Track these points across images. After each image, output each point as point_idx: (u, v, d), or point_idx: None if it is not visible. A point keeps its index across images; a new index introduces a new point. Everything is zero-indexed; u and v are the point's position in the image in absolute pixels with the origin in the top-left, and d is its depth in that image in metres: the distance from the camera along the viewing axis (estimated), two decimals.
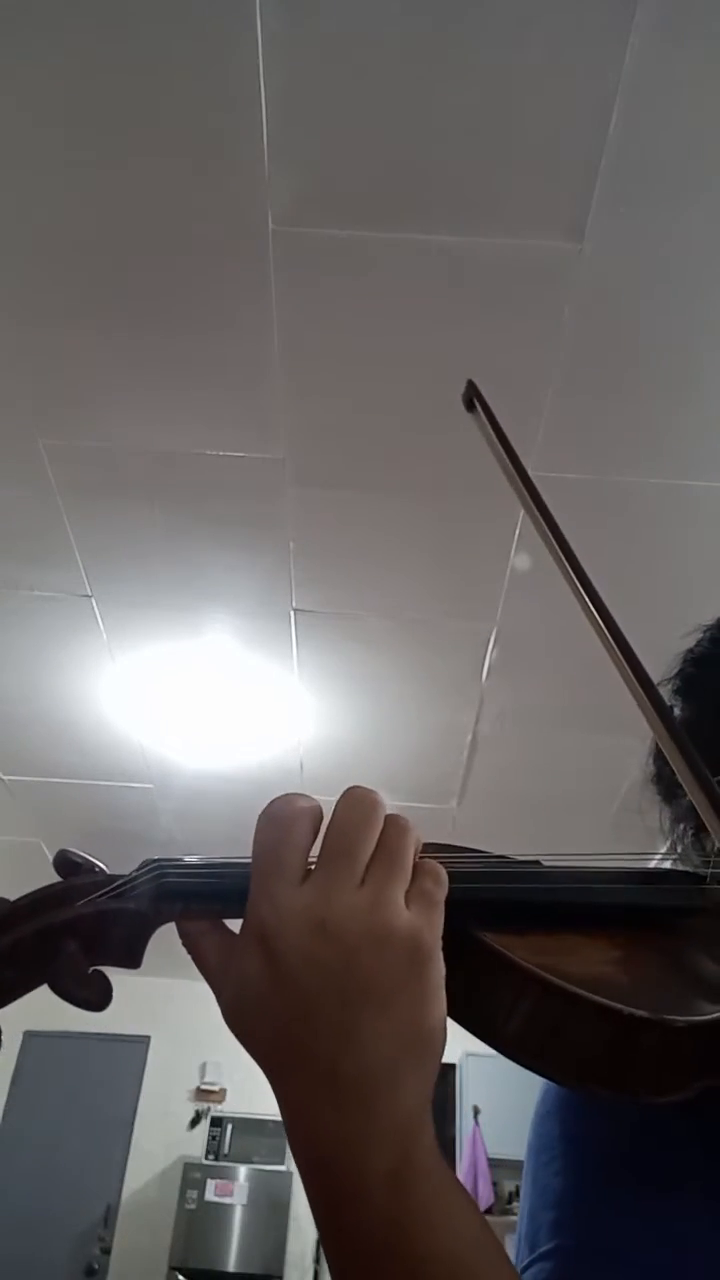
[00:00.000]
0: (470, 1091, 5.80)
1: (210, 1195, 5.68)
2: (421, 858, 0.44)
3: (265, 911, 0.41)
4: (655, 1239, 0.48)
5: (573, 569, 0.60)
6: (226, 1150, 6.06)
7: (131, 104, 1.67)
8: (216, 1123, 6.16)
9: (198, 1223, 5.58)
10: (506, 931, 0.45)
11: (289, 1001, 0.40)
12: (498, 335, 2.03)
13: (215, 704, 3.46)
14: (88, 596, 2.95)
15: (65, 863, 0.46)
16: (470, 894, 0.45)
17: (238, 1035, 0.43)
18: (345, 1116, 0.39)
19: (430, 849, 0.47)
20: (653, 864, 0.61)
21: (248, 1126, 6.12)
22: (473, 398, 0.65)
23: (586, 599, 0.60)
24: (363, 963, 0.40)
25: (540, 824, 3.89)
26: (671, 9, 1.48)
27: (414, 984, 0.40)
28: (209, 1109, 6.22)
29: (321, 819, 0.44)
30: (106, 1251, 5.76)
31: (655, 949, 0.50)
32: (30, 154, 1.76)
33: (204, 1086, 6.28)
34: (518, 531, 2.54)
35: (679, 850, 0.68)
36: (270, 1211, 5.67)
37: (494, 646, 3.00)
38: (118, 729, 3.66)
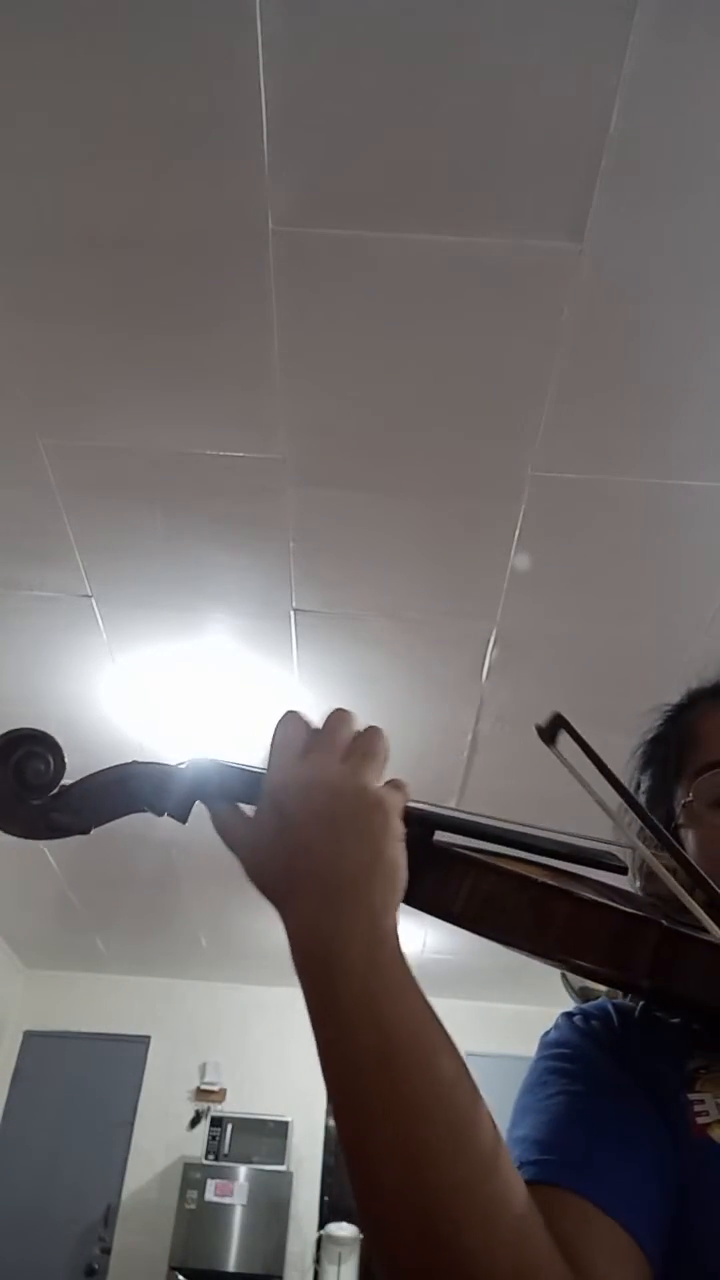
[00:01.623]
0: None
1: (210, 1195, 5.67)
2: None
3: (275, 777, 0.56)
4: (603, 1152, 0.59)
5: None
6: (226, 1150, 6.05)
7: (132, 104, 1.67)
8: (216, 1123, 6.16)
9: (198, 1223, 5.58)
10: (465, 846, 0.60)
11: (294, 838, 0.54)
12: (498, 335, 2.03)
13: (215, 704, 3.46)
14: (88, 596, 2.95)
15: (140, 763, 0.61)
16: (436, 815, 0.61)
17: (254, 880, 0.55)
18: (334, 913, 0.51)
19: None
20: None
21: (248, 1126, 6.12)
22: (557, 730, 0.71)
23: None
24: (343, 806, 0.54)
25: (540, 823, 3.89)
26: (671, 9, 1.48)
27: (381, 827, 0.54)
28: (209, 1109, 6.22)
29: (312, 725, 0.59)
30: (106, 1251, 5.75)
31: (580, 878, 0.64)
32: (30, 154, 1.76)
33: (204, 1086, 6.27)
34: (518, 531, 2.54)
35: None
36: (270, 1211, 5.66)
37: (494, 646, 3.00)
38: (118, 729, 3.66)
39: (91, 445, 2.42)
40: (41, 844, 4.91)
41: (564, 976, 4.00)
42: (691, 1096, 0.62)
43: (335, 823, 0.53)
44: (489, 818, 0.65)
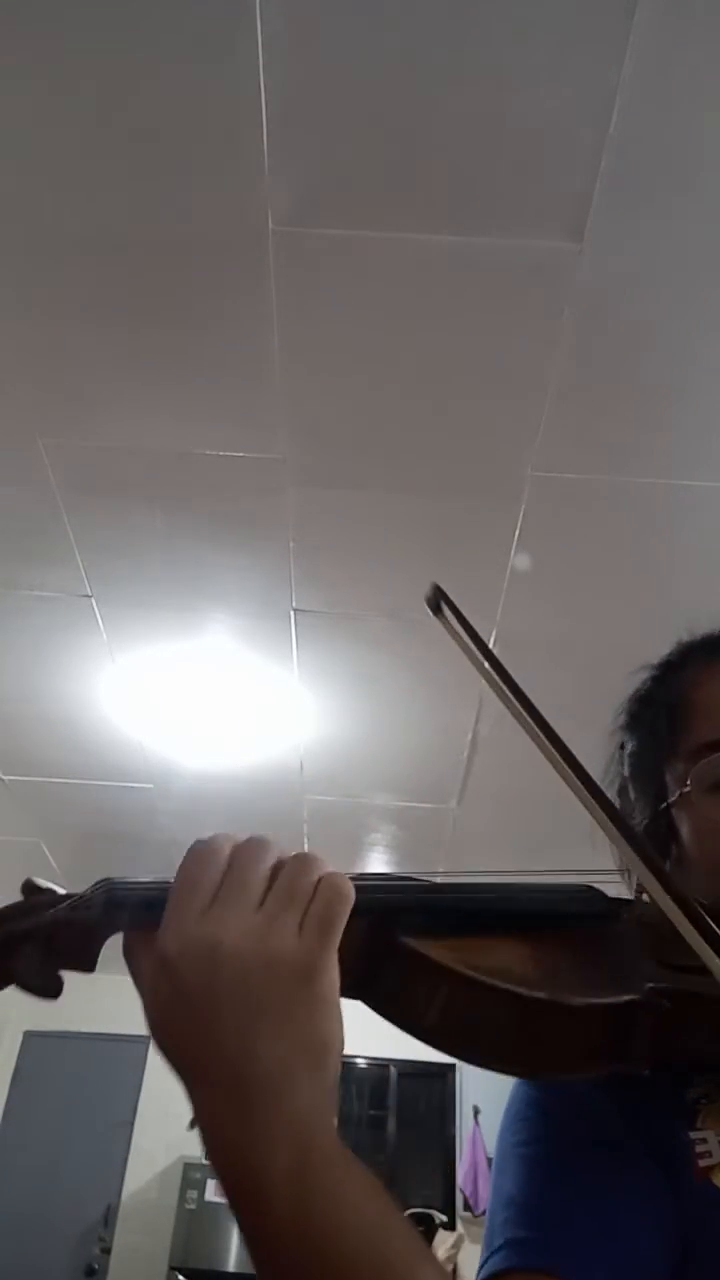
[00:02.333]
0: (470, 1091, 5.81)
1: (210, 1195, 5.67)
2: (324, 877, 0.48)
3: (168, 938, 0.46)
4: (588, 1219, 0.54)
5: (543, 732, 0.67)
6: None
7: (131, 104, 1.67)
8: None
9: (198, 1223, 5.58)
10: (427, 936, 0.50)
11: (190, 1019, 0.45)
12: (498, 335, 2.03)
13: (215, 704, 3.46)
14: (88, 596, 2.95)
15: (30, 887, 0.52)
16: (391, 903, 0.51)
17: (156, 1046, 0.47)
18: (247, 1120, 0.43)
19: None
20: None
21: None
22: (439, 601, 0.69)
23: (555, 752, 0.67)
24: (254, 984, 0.44)
25: (540, 824, 3.89)
26: (671, 9, 1.48)
27: (304, 1001, 0.45)
28: (195, 1111, 6.22)
29: (231, 858, 0.48)
30: (106, 1251, 5.75)
31: (566, 948, 0.55)
32: (30, 154, 1.76)
33: None
34: (518, 531, 2.54)
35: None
36: None
37: (494, 647, 3.00)
38: (118, 729, 3.66)
39: (91, 445, 2.42)
40: (41, 843, 4.91)
41: None
42: (693, 1135, 0.57)
43: (243, 1005, 0.44)
44: (455, 879, 0.57)
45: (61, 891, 0.52)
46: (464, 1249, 5.32)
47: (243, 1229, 0.44)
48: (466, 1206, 5.49)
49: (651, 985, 0.50)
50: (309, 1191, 0.42)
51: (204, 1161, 6.15)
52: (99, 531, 2.69)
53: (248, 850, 0.48)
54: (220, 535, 2.68)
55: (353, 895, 0.47)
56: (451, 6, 1.51)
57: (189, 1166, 5.84)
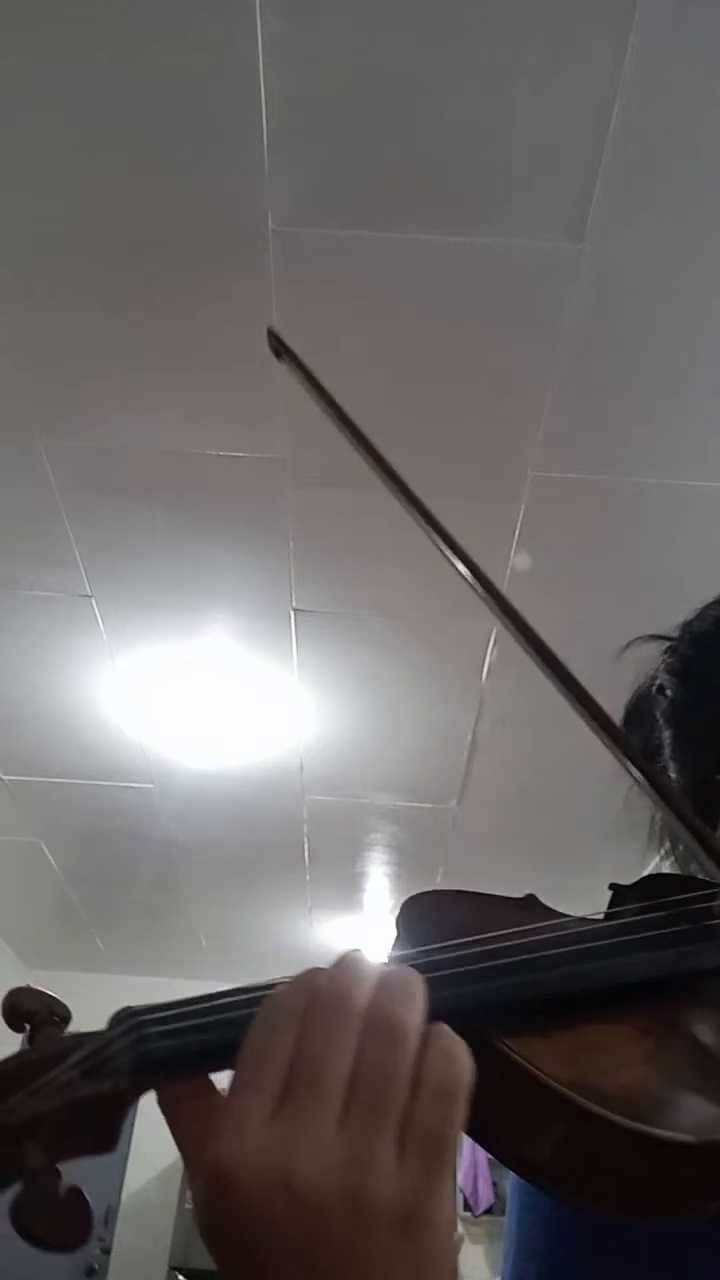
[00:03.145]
0: None
1: None
2: (429, 1059, 0.34)
3: (227, 1140, 0.34)
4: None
5: (446, 541, 0.58)
6: None
7: (131, 104, 1.67)
8: None
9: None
10: (527, 1032, 0.39)
11: (250, 1254, 0.33)
12: (498, 335, 2.03)
13: (215, 704, 3.46)
14: (88, 596, 2.95)
15: (16, 1012, 0.37)
16: (481, 996, 0.39)
17: (203, 1238, 0.35)
18: None
19: (413, 953, 0.40)
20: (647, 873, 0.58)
21: None
22: (279, 347, 0.64)
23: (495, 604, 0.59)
24: (334, 1237, 0.31)
25: (540, 824, 3.90)
26: (671, 9, 1.48)
27: (407, 1259, 0.32)
28: None
29: (300, 1032, 0.35)
30: (106, 1251, 5.75)
31: (679, 1031, 0.45)
32: (29, 154, 1.76)
33: None
34: (518, 531, 2.54)
35: (675, 859, 0.64)
36: None
37: (494, 646, 3.00)
38: (118, 729, 3.66)
39: (91, 445, 2.42)
40: (41, 843, 4.92)
41: None
42: None
43: (321, 1264, 0.31)
44: (536, 937, 0.45)
45: (61, 1012, 0.38)
46: (463, 1249, 5.32)
47: None
48: (466, 1207, 5.48)
49: None
50: None
51: None
52: (99, 531, 2.69)
53: (319, 1015, 0.34)
54: (220, 535, 2.68)
55: (469, 1084, 0.34)
56: (451, 7, 1.51)
57: None
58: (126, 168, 1.77)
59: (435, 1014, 0.35)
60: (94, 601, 2.97)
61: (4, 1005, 0.37)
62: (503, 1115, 0.37)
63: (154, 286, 1.99)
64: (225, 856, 4.45)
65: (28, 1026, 0.37)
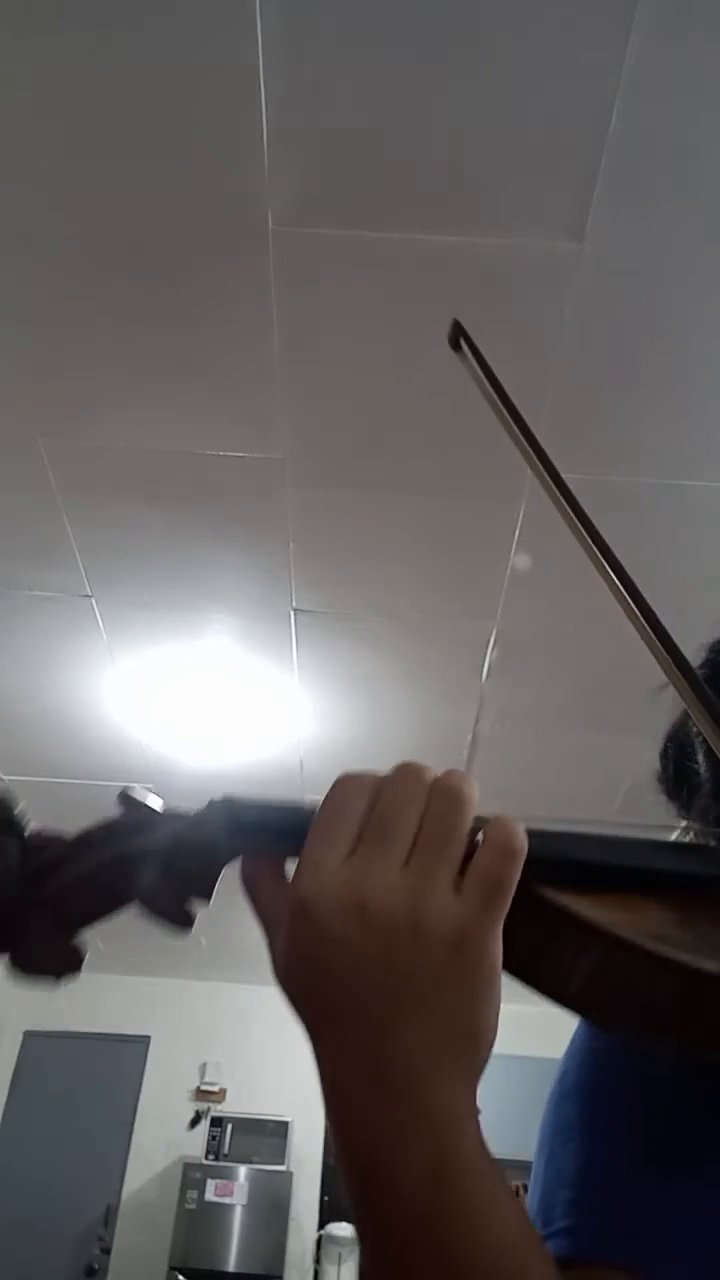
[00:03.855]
0: None
1: (210, 1195, 5.67)
2: (493, 824, 0.41)
3: (307, 880, 0.40)
4: (673, 1221, 0.48)
5: (580, 520, 0.59)
6: (226, 1150, 6.05)
7: (131, 104, 1.67)
8: (216, 1123, 6.16)
9: (198, 1223, 5.58)
10: (568, 889, 0.44)
11: (327, 975, 0.39)
12: (498, 335, 2.03)
13: (215, 704, 3.46)
14: (88, 596, 2.95)
15: (127, 799, 0.45)
16: (535, 847, 0.43)
17: (279, 985, 0.41)
18: (379, 1102, 0.38)
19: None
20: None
21: (248, 1126, 6.12)
22: (459, 337, 0.64)
23: (595, 549, 0.58)
24: (400, 955, 0.38)
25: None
26: (671, 9, 1.48)
27: (456, 978, 0.38)
28: (209, 1109, 6.22)
29: (374, 797, 0.42)
30: (106, 1251, 5.75)
31: (709, 915, 0.49)
32: (30, 154, 1.76)
33: (204, 1086, 6.27)
34: (518, 531, 2.54)
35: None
36: (270, 1211, 5.66)
37: (494, 646, 3.00)
38: (118, 729, 3.66)
39: (91, 445, 2.42)
40: None
41: None
42: None
43: (385, 980, 0.38)
44: (594, 828, 0.51)
45: (159, 806, 0.45)
46: None
47: (361, 1223, 0.39)
48: None
49: None
50: (444, 1198, 0.37)
51: (204, 1161, 6.15)
52: (99, 531, 2.70)
53: (392, 787, 0.41)
54: (220, 535, 2.68)
55: (525, 849, 0.40)
56: (451, 6, 1.51)
57: (189, 1166, 5.84)
58: (127, 168, 1.77)
59: None
60: (94, 601, 2.97)
61: (119, 796, 0.46)
62: (544, 952, 0.43)
63: (154, 286, 1.99)
64: None
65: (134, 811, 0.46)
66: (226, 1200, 5.66)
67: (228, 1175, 5.79)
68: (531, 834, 0.44)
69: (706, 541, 2.51)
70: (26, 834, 0.43)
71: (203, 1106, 6.24)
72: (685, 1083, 0.53)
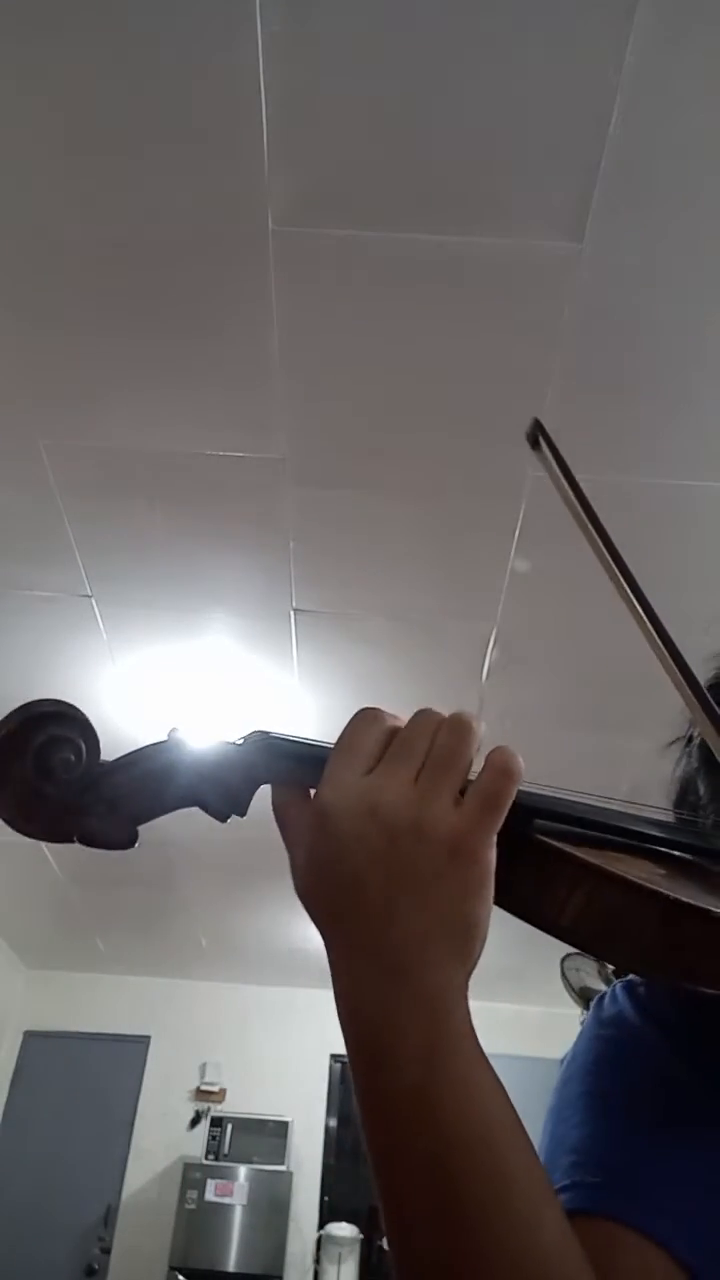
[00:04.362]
0: None
1: (210, 1195, 5.67)
2: (495, 752, 0.47)
3: (327, 791, 0.46)
4: (664, 1172, 0.52)
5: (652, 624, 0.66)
6: (226, 1150, 6.05)
7: (131, 104, 1.67)
8: (216, 1123, 6.16)
9: (198, 1223, 5.58)
10: (563, 837, 0.50)
11: (340, 872, 0.45)
12: (498, 335, 2.03)
13: (215, 704, 3.46)
14: (88, 596, 2.95)
15: (177, 734, 0.54)
16: (534, 800, 0.50)
17: (299, 896, 0.47)
18: (383, 983, 0.43)
19: None
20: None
21: (248, 1126, 6.12)
22: (538, 435, 0.66)
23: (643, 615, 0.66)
24: (404, 849, 0.44)
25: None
26: (671, 9, 1.48)
27: (453, 876, 0.44)
28: (209, 1109, 6.22)
29: (393, 726, 0.49)
30: (106, 1251, 5.75)
31: (693, 875, 0.55)
32: (30, 155, 1.76)
33: (204, 1086, 6.27)
34: (518, 531, 2.54)
35: None
36: (270, 1211, 5.66)
37: (494, 646, 3.00)
38: (118, 729, 3.66)
39: (91, 445, 2.42)
40: (42, 844, 4.91)
41: (564, 976, 4.00)
42: None
43: (392, 868, 0.44)
44: (592, 799, 0.57)
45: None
46: None
47: (364, 1101, 0.43)
48: None
49: None
50: (436, 1075, 0.41)
51: (204, 1161, 6.16)
52: (99, 531, 2.70)
53: (410, 721, 0.48)
54: (220, 535, 2.68)
55: (521, 773, 0.46)
56: (451, 7, 1.51)
57: (189, 1166, 5.84)
58: (127, 168, 1.77)
59: None
60: (94, 601, 2.97)
61: (169, 732, 0.55)
62: (544, 889, 0.48)
63: (154, 286, 1.99)
64: (225, 856, 4.44)
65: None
66: (226, 1200, 5.66)
67: (228, 1175, 5.79)
68: (538, 794, 0.50)
69: (707, 542, 2.51)
70: (95, 739, 0.51)
71: (203, 1106, 6.24)
72: (685, 1061, 0.57)
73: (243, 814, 0.51)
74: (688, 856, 0.58)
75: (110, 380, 2.23)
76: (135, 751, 0.53)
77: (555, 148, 1.68)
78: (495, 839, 0.45)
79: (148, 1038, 6.40)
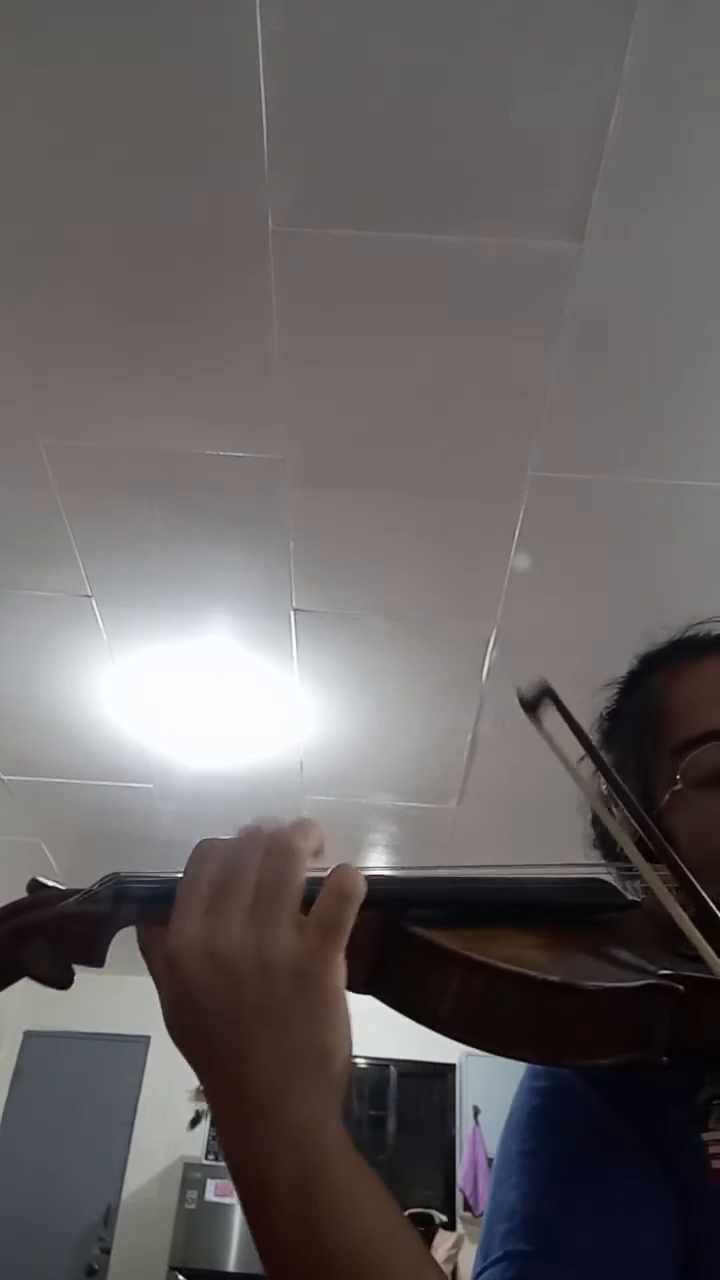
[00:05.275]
0: (470, 1091, 5.81)
1: (210, 1195, 5.67)
2: (333, 873, 0.46)
3: (171, 936, 0.46)
4: (594, 1235, 0.53)
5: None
6: None
7: (131, 104, 1.67)
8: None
9: (198, 1223, 5.58)
10: (437, 927, 0.49)
11: (193, 1022, 0.46)
12: (498, 335, 2.03)
13: (215, 704, 3.46)
14: (88, 596, 2.95)
15: (36, 885, 0.53)
16: (399, 893, 0.50)
17: (171, 1038, 0.47)
18: (249, 1126, 0.44)
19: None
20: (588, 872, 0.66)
21: None
22: (541, 698, 0.67)
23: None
24: (249, 991, 0.44)
25: (540, 824, 3.89)
26: (671, 9, 1.48)
27: (302, 1008, 0.44)
28: (209, 1109, 6.22)
29: (223, 858, 0.48)
30: (106, 1251, 5.76)
31: (576, 939, 0.54)
32: (29, 154, 1.76)
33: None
34: (518, 531, 2.54)
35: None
36: None
37: (494, 646, 3.00)
38: (118, 729, 3.66)
39: (91, 445, 2.42)
40: (41, 843, 4.91)
41: None
42: (706, 1137, 0.56)
43: (240, 1013, 0.44)
44: (463, 872, 0.56)
45: (64, 888, 0.53)
46: (464, 1249, 5.32)
47: (252, 1231, 0.44)
48: (466, 1206, 5.49)
49: (666, 971, 0.49)
50: (312, 1203, 0.42)
51: (204, 1161, 6.15)
52: (99, 531, 2.70)
53: (236, 849, 0.47)
54: (220, 535, 2.68)
55: (362, 893, 0.46)
56: (451, 7, 1.51)
57: (189, 1166, 5.84)
58: (126, 168, 1.77)
59: (367, 901, 0.46)
60: (94, 601, 2.97)
61: (29, 885, 0.53)
62: (415, 984, 0.47)
63: (154, 286, 1.99)
64: None
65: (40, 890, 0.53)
66: (226, 1200, 5.66)
67: (228, 1175, 5.79)
68: (399, 880, 0.50)
69: (707, 541, 2.51)
70: None
71: (203, 1106, 6.24)
72: (617, 1114, 0.59)
73: (100, 965, 0.51)
74: (588, 917, 0.57)
75: (111, 380, 2.23)
76: None
77: (555, 148, 1.68)
78: (341, 960, 0.45)
79: (148, 1038, 6.40)
